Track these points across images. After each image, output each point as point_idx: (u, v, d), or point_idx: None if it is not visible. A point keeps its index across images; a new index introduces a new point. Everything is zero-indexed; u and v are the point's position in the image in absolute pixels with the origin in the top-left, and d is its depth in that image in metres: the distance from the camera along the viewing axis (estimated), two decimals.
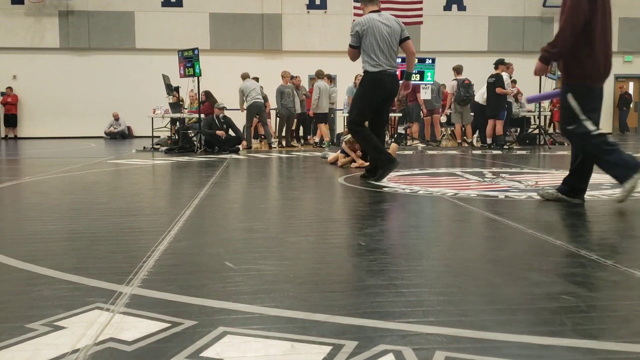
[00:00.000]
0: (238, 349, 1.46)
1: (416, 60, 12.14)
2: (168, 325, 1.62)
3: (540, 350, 1.44)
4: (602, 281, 2.06)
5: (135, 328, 1.60)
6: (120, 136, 18.05)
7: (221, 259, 2.39)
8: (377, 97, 5.49)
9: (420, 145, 12.42)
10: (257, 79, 14.38)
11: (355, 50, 5.52)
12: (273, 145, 12.18)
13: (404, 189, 4.84)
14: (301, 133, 13.98)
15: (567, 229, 3.27)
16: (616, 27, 19.89)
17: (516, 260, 2.42)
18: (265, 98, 12.43)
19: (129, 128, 18.63)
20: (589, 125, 3.71)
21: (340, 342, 1.49)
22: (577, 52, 3.73)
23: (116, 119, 18.29)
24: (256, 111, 11.85)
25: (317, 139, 12.71)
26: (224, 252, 2.55)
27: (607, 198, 4.20)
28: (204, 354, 1.43)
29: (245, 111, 11.79)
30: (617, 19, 19.85)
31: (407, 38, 5.55)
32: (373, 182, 5.26)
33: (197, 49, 10.73)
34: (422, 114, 13.20)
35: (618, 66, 20.47)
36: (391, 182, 5.37)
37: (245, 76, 12.13)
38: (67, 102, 18.71)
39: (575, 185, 3.96)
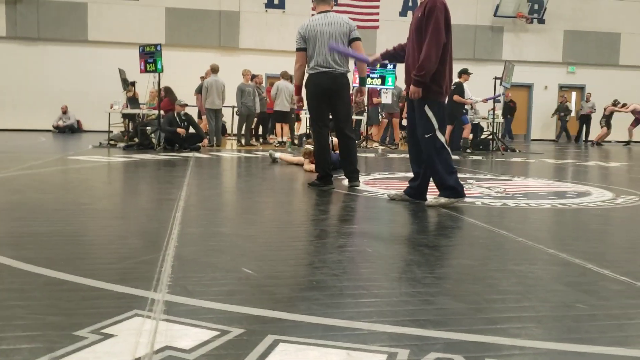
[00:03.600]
0: (295, 356, 1.51)
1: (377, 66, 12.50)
2: (217, 333, 1.64)
3: (575, 357, 1.55)
4: (605, 290, 2.20)
5: (187, 336, 1.61)
6: (69, 130, 17.45)
7: (236, 264, 2.42)
8: (318, 98, 5.28)
9: (380, 147, 12.63)
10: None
11: (300, 53, 5.33)
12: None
13: (382, 194, 4.94)
14: (260, 132, 13.97)
15: (552, 236, 3.44)
16: (561, 38, 20.81)
17: (519, 268, 2.55)
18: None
19: (78, 122, 18.07)
20: (441, 138, 4.20)
21: (393, 350, 1.56)
22: (436, 71, 4.12)
23: (64, 112, 17.69)
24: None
25: (280, 139, 12.77)
26: (236, 257, 2.57)
27: (577, 207, 4.43)
28: None
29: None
30: (562, 31, 20.77)
31: (356, 39, 5.29)
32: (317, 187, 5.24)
33: (160, 45, 10.57)
34: (380, 118, 13.44)
35: (562, 76, 21.40)
36: (368, 185, 5.46)
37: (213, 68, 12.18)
38: (14, 93, 17.96)
39: (423, 187, 4.44)
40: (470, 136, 12.73)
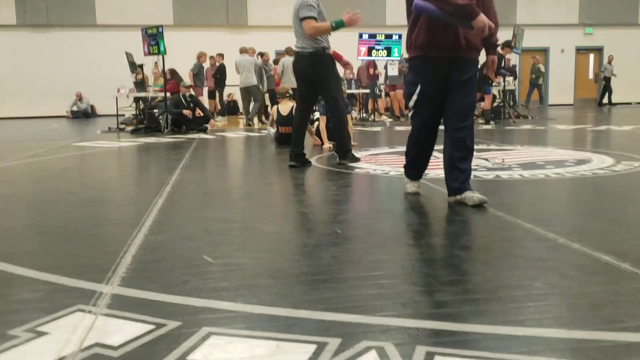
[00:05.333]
0: (224, 350, 1.49)
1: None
2: (152, 327, 1.63)
3: (513, 341, 1.50)
4: (572, 267, 2.14)
5: (120, 331, 1.61)
6: (83, 115, 17.63)
7: (199, 253, 2.40)
8: (297, 78, 5.32)
9: (388, 120, 12.50)
10: (222, 55, 14.21)
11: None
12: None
13: (375, 170, 4.88)
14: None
15: (533, 210, 3.35)
16: None
17: (492, 245, 2.49)
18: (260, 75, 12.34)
19: (92, 107, 18.22)
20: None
21: (324, 339, 1.53)
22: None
23: (79, 99, 17.85)
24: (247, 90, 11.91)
25: None
26: (202, 245, 2.56)
27: (572, 176, 4.32)
28: (191, 356, 1.45)
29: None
30: None
31: (301, 19, 4.96)
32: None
33: (162, 26, 10.50)
34: (378, 90, 13.32)
35: (579, 38, 20.81)
36: (363, 162, 5.40)
37: (242, 50, 12.21)
38: (27, 81, 18.12)
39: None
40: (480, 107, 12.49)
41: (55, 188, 4.39)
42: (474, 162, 5.26)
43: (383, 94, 14.23)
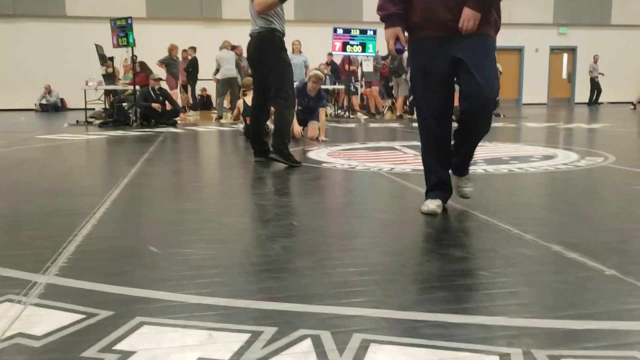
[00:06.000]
0: (153, 339, 1.43)
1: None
2: (83, 316, 1.57)
3: (455, 329, 1.47)
4: (520, 256, 2.12)
5: (47, 321, 1.53)
6: (52, 109, 17.28)
7: (147, 243, 2.33)
8: (249, 63, 4.93)
9: (363, 117, 12.48)
10: (194, 49, 14.06)
11: None
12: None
13: (342, 164, 4.85)
14: None
15: (490, 203, 3.35)
16: None
17: (443, 236, 2.47)
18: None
19: (62, 100, 17.87)
20: None
21: (259, 328, 1.48)
22: None
23: (48, 91, 17.49)
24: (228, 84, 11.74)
25: None
26: (151, 236, 2.49)
27: (535, 170, 4.33)
28: (117, 346, 1.39)
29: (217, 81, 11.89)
30: None
31: None
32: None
33: (131, 17, 10.32)
34: (353, 87, 13.32)
35: (553, 38, 21.06)
36: (331, 157, 5.37)
37: (222, 46, 12.05)
38: None
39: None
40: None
41: (11, 178, 4.26)
42: None
43: (361, 90, 14.18)
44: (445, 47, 2.69)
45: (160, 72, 12.47)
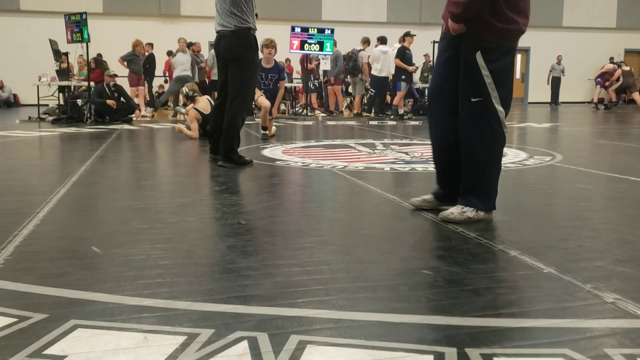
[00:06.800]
0: (86, 343, 1.40)
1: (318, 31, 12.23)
2: (14, 320, 1.52)
3: (393, 329, 1.49)
4: (463, 254, 2.16)
5: None
6: (5, 104, 16.76)
7: (90, 244, 2.29)
8: (218, 62, 4.78)
9: (321, 115, 12.51)
10: (151, 45, 13.82)
11: None
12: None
13: (296, 162, 4.85)
14: None
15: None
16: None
17: (389, 235, 2.50)
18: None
19: (14, 96, 17.34)
20: (499, 110, 2.70)
21: (196, 331, 1.47)
22: None
23: (0, 86, 16.94)
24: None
25: None
26: (95, 236, 2.44)
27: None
28: (48, 351, 1.36)
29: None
30: None
31: None
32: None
33: (86, 13, 10.09)
34: (312, 85, 13.38)
35: None
36: (285, 154, 5.36)
37: (177, 50, 12.03)
38: None
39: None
40: (410, 102, 12.72)
41: None
42: (394, 155, 5.33)
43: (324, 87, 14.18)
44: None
45: (121, 69, 12.14)
